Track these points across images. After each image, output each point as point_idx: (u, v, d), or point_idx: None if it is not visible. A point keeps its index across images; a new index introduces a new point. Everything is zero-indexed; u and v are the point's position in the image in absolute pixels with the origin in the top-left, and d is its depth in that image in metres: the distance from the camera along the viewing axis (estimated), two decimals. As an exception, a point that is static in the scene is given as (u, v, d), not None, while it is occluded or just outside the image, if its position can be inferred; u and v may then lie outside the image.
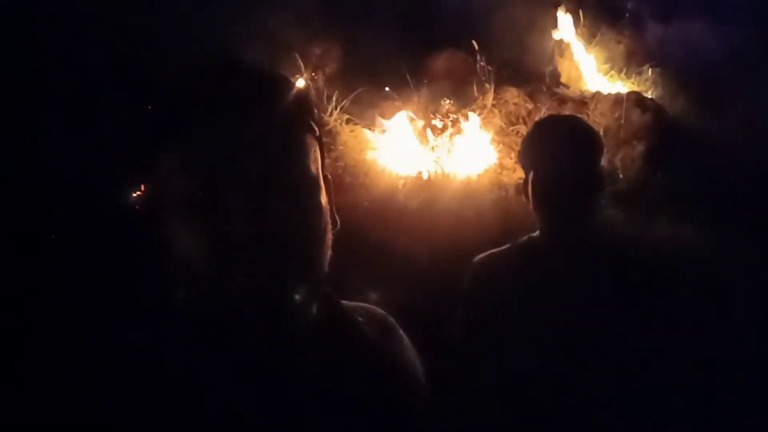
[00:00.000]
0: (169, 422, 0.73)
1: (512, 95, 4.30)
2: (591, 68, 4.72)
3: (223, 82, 0.78)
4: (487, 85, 4.22)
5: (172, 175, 0.76)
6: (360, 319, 0.93)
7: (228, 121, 0.75)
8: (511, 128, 4.09)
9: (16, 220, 2.62)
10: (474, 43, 4.34)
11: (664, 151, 3.73)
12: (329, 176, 0.87)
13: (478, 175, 3.71)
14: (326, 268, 0.82)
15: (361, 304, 0.98)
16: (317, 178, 0.82)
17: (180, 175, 0.75)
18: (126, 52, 3.11)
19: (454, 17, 4.32)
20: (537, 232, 1.64)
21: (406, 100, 4.02)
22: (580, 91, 4.50)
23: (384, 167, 3.61)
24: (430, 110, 4.04)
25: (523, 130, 4.03)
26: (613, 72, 4.66)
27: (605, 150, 1.62)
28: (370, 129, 3.78)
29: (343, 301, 0.93)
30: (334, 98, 3.84)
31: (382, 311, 1.00)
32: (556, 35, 4.73)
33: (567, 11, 4.77)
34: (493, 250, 1.69)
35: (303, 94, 0.85)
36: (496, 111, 4.16)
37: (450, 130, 3.93)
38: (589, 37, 4.78)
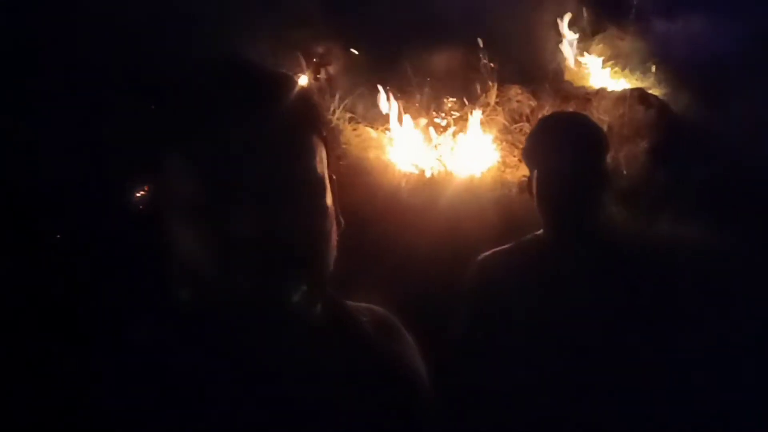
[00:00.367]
0: (172, 423, 0.73)
1: (515, 93, 4.29)
2: (594, 65, 4.71)
3: (228, 82, 0.77)
4: (491, 83, 4.21)
5: (177, 176, 0.76)
6: (363, 319, 0.93)
7: (233, 121, 0.75)
8: (514, 126, 4.08)
9: (20, 220, 2.63)
10: (477, 40, 4.32)
11: (668, 148, 3.72)
12: (334, 176, 0.86)
13: (482, 173, 3.70)
14: (331, 268, 0.82)
15: (364, 304, 0.98)
16: (323, 178, 0.81)
17: (185, 176, 0.75)
18: (130, 52, 3.11)
19: (457, 14, 4.31)
20: (541, 230, 1.64)
21: (409, 98, 4.02)
22: (584, 88, 4.49)
23: (387, 165, 3.61)
24: (432, 108, 4.03)
25: (527, 127, 4.02)
26: (616, 69, 4.64)
27: (609, 147, 1.61)
28: (373, 127, 3.77)
29: (347, 302, 0.93)
30: (337, 96, 3.84)
31: (385, 311, 1.00)
32: (560, 32, 4.72)
33: (570, 8, 4.76)
34: (497, 249, 1.69)
35: (308, 94, 0.85)
36: (500, 109, 4.14)
37: (453, 128, 3.92)
38: (593, 33, 4.76)
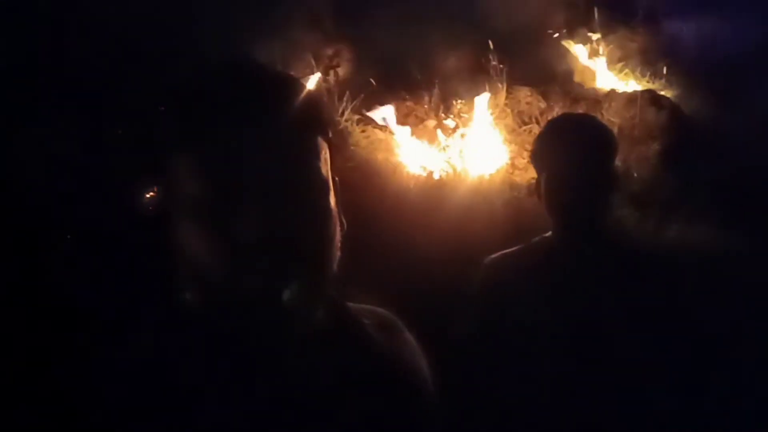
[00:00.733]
0: (175, 423, 0.73)
1: (525, 94, 4.28)
2: (604, 67, 4.68)
3: (235, 83, 0.77)
4: (500, 85, 4.20)
5: (183, 177, 0.76)
6: (366, 321, 0.92)
7: (239, 123, 0.75)
8: (523, 128, 4.06)
9: (28, 221, 2.64)
10: (487, 42, 4.32)
11: (679, 150, 3.69)
12: (336, 178, 0.86)
13: (490, 175, 3.69)
14: (334, 269, 0.82)
15: (367, 306, 0.97)
16: (327, 179, 0.81)
17: (190, 177, 0.75)
18: (139, 53, 3.12)
19: (466, 16, 4.30)
20: (549, 233, 1.63)
21: (418, 99, 4.02)
22: (594, 89, 4.47)
23: (395, 167, 3.61)
24: (441, 110, 4.03)
25: (536, 129, 4.00)
26: (627, 70, 4.62)
27: (619, 149, 1.60)
28: (381, 129, 3.78)
29: (350, 304, 0.92)
30: (345, 98, 3.84)
31: (389, 313, 0.99)
32: (570, 33, 4.70)
33: (581, 10, 4.74)
34: (505, 251, 1.68)
35: (315, 96, 0.85)
36: (509, 110, 4.13)
37: (461, 130, 3.91)
38: (603, 35, 4.74)
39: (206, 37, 3.09)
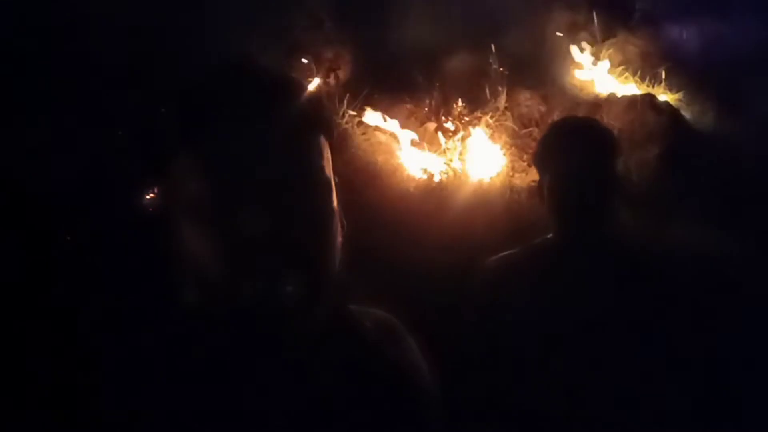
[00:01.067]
0: (175, 424, 0.73)
1: (525, 97, 4.28)
2: (605, 70, 4.68)
3: (238, 84, 0.78)
4: (500, 88, 4.20)
5: (187, 178, 0.76)
6: (367, 324, 0.92)
7: (243, 123, 0.75)
8: (523, 131, 4.07)
9: (29, 221, 2.64)
10: (487, 45, 4.32)
11: (679, 154, 3.69)
12: (336, 178, 0.86)
13: (491, 178, 3.69)
14: (336, 270, 0.82)
15: (368, 309, 0.97)
16: (330, 180, 0.81)
17: (195, 178, 0.75)
18: (142, 54, 3.13)
19: (467, 19, 4.31)
20: (550, 235, 1.63)
21: (418, 102, 4.02)
22: (594, 93, 4.47)
23: (395, 170, 3.61)
24: (442, 112, 4.03)
25: (536, 132, 4.00)
26: (627, 74, 4.62)
27: (620, 152, 1.60)
28: (381, 131, 3.78)
29: (351, 306, 0.92)
30: (345, 101, 3.84)
31: (389, 316, 1.00)
32: (570, 37, 4.70)
33: (581, 13, 4.74)
34: (506, 253, 1.68)
35: (315, 96, 0.85)
36: (509, 113, 4.13)
37: (462, 133, 3.91)
38: (604, 39, 4.74)
39: (207, 40, 3.09)
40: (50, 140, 2.81)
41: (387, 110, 3.84)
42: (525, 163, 3.82)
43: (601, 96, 4.37)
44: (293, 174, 0.76)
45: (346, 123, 3.77)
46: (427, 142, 3.84)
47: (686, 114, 4.16)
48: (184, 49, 2.95)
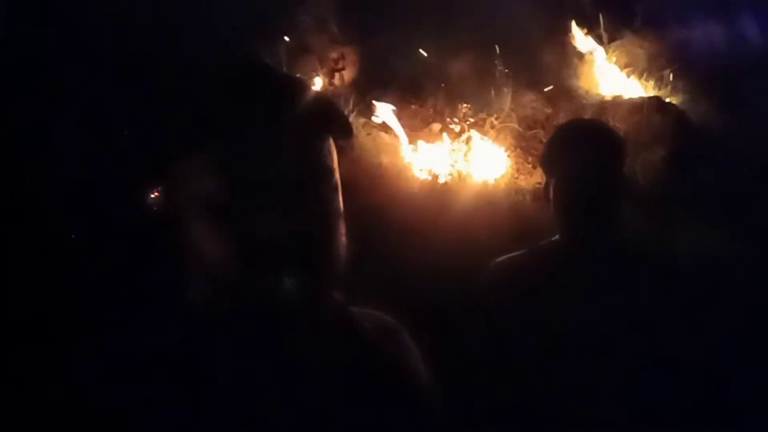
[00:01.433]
0: (178, 419, 0.73)
1: (530, 99, 4.27)
2: (611, 72, 4.67)
3: (250, 85, 0.78)
4: (505, 89, 4.19)
5: (200, 178, 0.76)
6: (367, 325, 0.92)
7: (254, 124, 0.76)
8: (528, 132, 4.05)
9: (36, 220, 2.65)
10: (492, 46, 4.31)
11: (686, 156, 3.68)
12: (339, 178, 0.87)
13: (495, 180, 3.68)
14: (340, 269, 0.82)
15: (368, 310, 0.97)
16: (338, 181, 0.82)
17: (208, 178, 0.75)
18: (150, 54, 3.13)
19: (472, 20, 4.31)
20: (556, 237, 1.62)
21: (423, 103, 4.01)
22: (600, 95, 4.46)
23: (400, 170, 3.60)
24: (447, 114, 4.02)
25: (541, 134, 4.00)
26: (633, 76, 4.61)
27: (627, 155, 1.60)
28: (386, 132, 3.77)
29: (352, 308, 0.93)
30: (351, 101, 3.84)
31: (389, 317, 1.00)
32: (576, 39, 4.69)
33: (586, 14, 4.73)
34: (512, 255, 1.68)
35: (327, 98, 0.86)
36: (514, 115, 4.12)
37: (467, 134, 3.90)
38: (610, 40, 4.73)
39: (216, 40, 3.09)
40: (59, 140, 2.82)
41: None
42: (530, 165, 3.81)
43: (606, 98, 4.36)
44: (303, 174, 0.77)
45: (351, 123, 3.76)
46: (432, 142, 3.83)
47: (693, 116, 4.14)
48: (191, 49, 2.95)
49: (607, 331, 1.49)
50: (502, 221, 3.10)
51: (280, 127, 0.77)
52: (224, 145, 0.76)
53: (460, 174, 3.65)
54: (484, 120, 4.01)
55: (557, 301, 1.51)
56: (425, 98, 4.05)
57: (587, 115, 3.97)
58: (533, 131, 4.08)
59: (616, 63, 4.69)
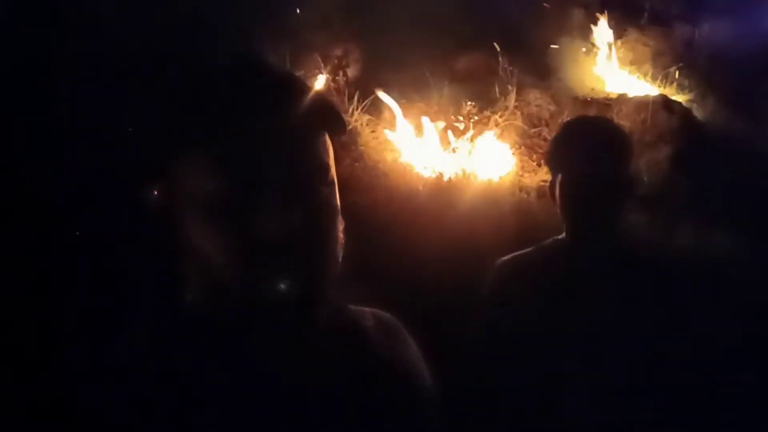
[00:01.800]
0: (172, 421, 0.73)
1: (535, 97, 4.26)
2: (616, 70, 4.66)
3: (251, 82, 0.78)
4: (510, 87, 4.18)
5: (197, 176, 0.76)
6: (368, 323, 0.92)
7: (253, 123, 0.75)
8: (533, 130, 4.04)
9: (36, 219, 2.65)
10: (496, 44, 4.31)
11: (691, 155, 3.66)
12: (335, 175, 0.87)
13: (500, 178, 3.67)
14: (339, 267, 0.82)
15: (368, 308, 0.97)
16: (335, 179, 0.82)
17: (205, 176, 0.75)
18: (151, 52, 3.13)
19: (477, 18, 4.30)
20: (562, 235, 1.61)
21: (428, 101, 4.00)
22: (605, 93, 4.44)
23: (404, 168, 3.60)
24: (451, 111, 4.01)
25: (546, 132, 3.99)
26: (638, 74, 4.59)
27: (634, 153, 1.59)
28: (390, 130, 3.77)
29: (352, 306, 0.93)
30: (355, 99, 3.84)
31: (389, 315, 1.00)
32: (581, 36, 4.68)
33: (592, 12, 4.72)
34: (517, 253, 1.67)
35: (324, 96, 0.86)
36: (519, 113, 4.11)
37: (471, 132, 3.90)
38: (615, 38, 4.71)
39: (218, 37, 3.09)
40: (58, 138, 2.82)
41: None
42: (534, 163, 3.80)
43: (612, 96, 4.35)
44: (300, 171, 0.77)
45: (355, 121, 3.76)
46: (436, 140, 3.83)
47: (697, 114, 4.13)
48: (194, 47, 2.95)
49: (611, 329, 1.48)
50: (506, 219, 3.09)
51: (276, 124, 0.77)
52: (221, 143, 0.75)
53: (464, 172, 3.64)
54: (489, 118, 4.01)
55: (563, 298, 1.51)
56: (430, 96, 4.04)
57: (592, 113, 3.96)
58: (538, 129, 4.08)
59: (621, 60, 4.68)
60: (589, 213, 1.53)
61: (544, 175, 3.57)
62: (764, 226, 2.96)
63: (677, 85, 4.42)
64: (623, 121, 3.86)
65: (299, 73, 0.85)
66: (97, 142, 2.81)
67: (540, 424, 1.47)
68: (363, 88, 3.90)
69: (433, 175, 3.58)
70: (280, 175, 0.75)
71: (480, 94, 4.15)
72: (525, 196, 3.48)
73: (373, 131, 3.79)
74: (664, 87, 4.43)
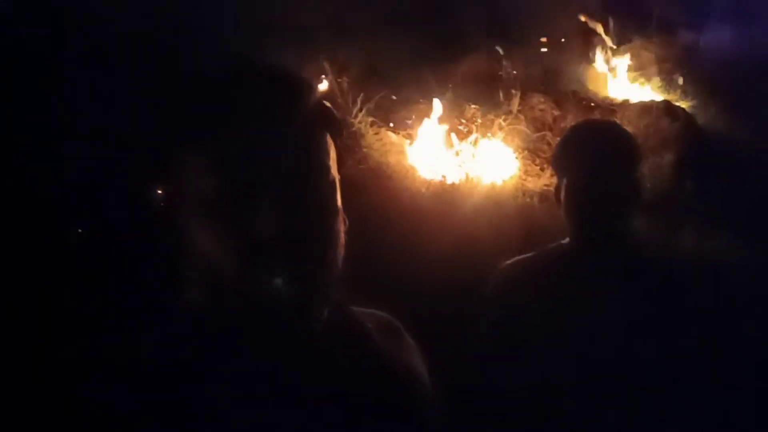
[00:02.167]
0: (174, 422, 0.73)
1: (538, 101, 4.26)
2: (620, 75, 4.66)
3: (249, 82, 0.78)
4: (513, 91, 4.19)
5: (196, 176, 0.76)
6: (369, 325, 0.93)
7: (252, 122, 0.75)
8: (536, 134, 4.05)
9: (37, 219, 2.65)
10: (501, 48, 4.31)
11: (694, 161, 3.66)
12: (338, 176, 0.86)
13: (503, 181, 3.67)
14: (339, 267, 0.82)
15: (369, 310, 0.97)
16: (335, 178, 0.82)
17: (204, 176, 0.75)
18: (152, 52, 3.13)
19: (481, 21, 4.30)
20: (566, 240, 1.61)
21: (432, 103, 4.01)
22: (608, 98, 4.45)
23: (408, 171, 3.60)
24: (455, 114, 4.02)
25: (549, 136, 3.99)
26: (642, 80, 4.59)
27: (642, 158, 1.57)
28: (394, 132, 3.77)
29: (354, 308, 0.93)
30: (359, 101, 3.84)
31: (390, 317, 1.00)
32: (585, 41, 4.68)
33: (596, 18, 4.72)
34: (520, 257, 1.66)
35: (324, 94, 0.85)
36: (522, 117, 4.12)
37: (475, 135, 3.90)
38: (619, 43, 4.72)
39: (220, 38, 3.09)
40: (59, 138, 2.82)
41: (400, 111, 3.83)
42: (537, 167, 3.80)
43: (615, 101, 4.35)
44: (305, 170, 0.77)
45: (359, 123, 3.77)
46: (440, 143, 3.83)
47: (701, 121, 4.13)
48: (196, 47, 2.95)
49: (615, 333, 1.48)
50: (508, 223, 3.09)
51: (276, 124, 0.77)
52: (221, 142, 0.75)
53: (467, 175, 3.64)
54: (492, 121, 4.01)
55: (567, 303, 1.50)
56: (434, 98, 4.04)
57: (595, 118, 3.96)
58: (541, 133, 4.08)
59: (625, 66, 4.68)
60: (594, 218, 1.52)
61: (547, 179, 3.57)
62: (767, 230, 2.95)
63: (681, 91, 4.43)
64: (627, 126, 3.86)
65: (303, 75, 0.85)
66: (98, 142, 2.81)
67: (546, 427, 1.46)
68: (367, 91, 3.90)
69: (437, 178, 3.58)
70: (279, 174, 0.75)
71: (484, 97, 4.16)
72: (528, 200, 3.48)
73: (376, 133, 3.79)
74: (668, 93, 4.44)
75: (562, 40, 4.66)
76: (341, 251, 0.82)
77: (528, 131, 4.04)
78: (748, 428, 1.59)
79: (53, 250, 2.61)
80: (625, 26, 4.78)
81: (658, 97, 4.38)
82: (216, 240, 0.75)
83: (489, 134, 3.89)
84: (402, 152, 3.71)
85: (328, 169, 0.80)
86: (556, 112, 4.21)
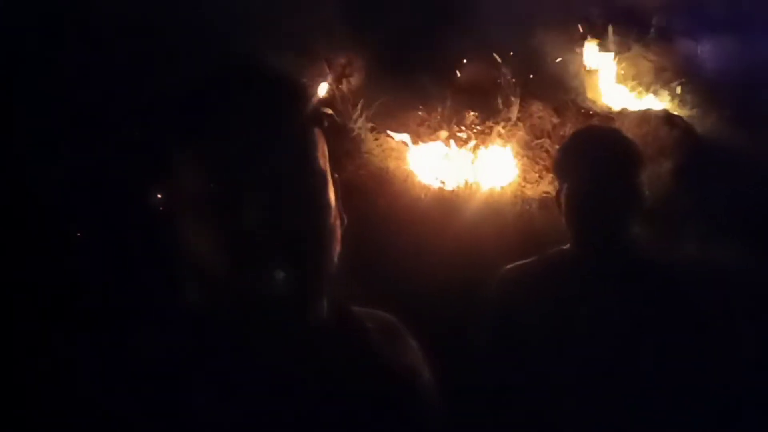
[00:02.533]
0: (172, 421, 0.73)
1: (537, 108, 4.27)
2: (619, 84, 4.68)
3: (242, 85, 0.79)
4: (513, 98, 4.20)
5: (192, 176, 0.76)
6: (369, 325, 0.93)
7: (247, 123, 0.76)
8: (535, 142, 4.06)
9: (36, 219, 2.64)
10: (499, 55, 4.32)
11: (692, 169, 3.67)
12: (336, 174, 0.87)
13: (502, 188, 3.68)
14: (335, 263, 0.83)
15: (370, 310, 0.98)
16: (325, 173, 0.82)
17: (200, 176, 0.76)
18: (149, 54, 3.14)
19: (480, 29, 4.32)
20: (567, 245, 1.61)
21: (431, 110, 4.02)
22: (607, 106, 4.46)
23: (408, 176, 3.60)
24: (454, 121, 4.03)
25: (548, 144, 4.00)
26: (640, 88, 4.61)
27: (645, 164, 1.58)
28: (394, 138, 3.78)
29: (354, 307, 0.93)
30: (359, 106, 3.85)
31: (391, 317, 1.00)
32: (584, 49, 4.70)
33: (595, 25, 4.74)
34: (521, 262, 1.67)
35: (312, 90, 0.86)
36: (521, 124, 4.13)
37: (474, 142, 3.91)
38: (618, 52, 4.74)
39: (219, 41, 3.10)
40: (53, 139, 2.82)
41: (400, 117, 3.84)
42: (536, 174, 3.81)
43: (614, 109, 4.36)
44: (296, 168, 0.77)
45: (359, 128, 3.77)
46: (439, 149, 3.84)
47: (700, 129, 4.14)
48: (194, 49, 2.96)
49: (614, 339, 1.48)
50: (508, 229, 3.09)
51: (276, 121, 0.77)
52: (220, 144, 0.76)
53: (466, 181, 3.64)
54: (491, 128, 4.02)
55: (567, 307, 1.50)
56: (433, 105, 4.05)
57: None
58: (540, 140, 4.09)
59: (624, 75, 4.70)
60: (595, 223, 1.52)
61: (546, 186, 3.58)
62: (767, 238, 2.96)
63: (680, 100, 4.44)
64: (625, 134, 3.87)
65: (302, 79, 0.86)
66: (97, 143, 2.81)
67: (546, 429, 1.46)
68: (367, 96, 3.91)
69: (436, 185, 3.58)
70: (274, 174, 0.76)
71: (483, 104, 4.17)
72: (527, 207, 3.48)
73: (376, 138, 3.80)
74: (667, 101, 4.45)
75: (562, 47, 4.68)
76: (338, 248, 0.83)
77: (527, 138, 4.05)
78: (748, 430, 1.59)
79: (53, 250, 2.61)
80: (624, 34, 4.80)
81: (657, 105, 4.40)
82: (214, 239, 0.76)
83: (488, 141, 3.90)
84: (402, 158, 3.72)
85: (314, 161, 0.81)
86: (555, 120, 4.22)
